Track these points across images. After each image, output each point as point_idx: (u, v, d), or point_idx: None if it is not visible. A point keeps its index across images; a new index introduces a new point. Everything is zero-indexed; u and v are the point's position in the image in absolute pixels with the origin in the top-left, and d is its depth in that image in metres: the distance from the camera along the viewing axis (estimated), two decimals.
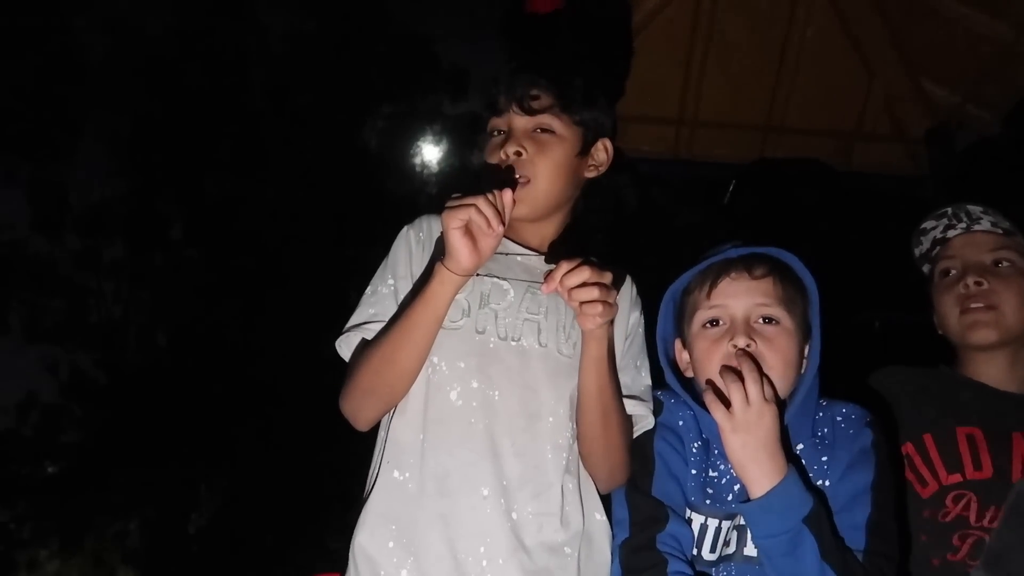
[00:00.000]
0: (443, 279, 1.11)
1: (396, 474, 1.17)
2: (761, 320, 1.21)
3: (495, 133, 1.33)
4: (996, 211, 1.59)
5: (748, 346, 1.17)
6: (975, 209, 1.58)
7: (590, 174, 1.37)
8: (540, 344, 1.21)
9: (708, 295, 1.23)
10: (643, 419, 1.26)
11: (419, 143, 12.12)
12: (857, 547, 1.13)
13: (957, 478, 1.44)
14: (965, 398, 1.54)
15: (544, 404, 1.20)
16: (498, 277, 1.25)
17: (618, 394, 1.19)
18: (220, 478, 11.63)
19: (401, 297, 1.24)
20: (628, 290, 1.33)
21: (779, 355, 1.19)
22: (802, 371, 1.24)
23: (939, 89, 3.00)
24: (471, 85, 11.66)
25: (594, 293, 1.05)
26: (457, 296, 1.21)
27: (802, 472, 1.15)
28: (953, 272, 1.58)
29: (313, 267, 10.63)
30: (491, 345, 1.20)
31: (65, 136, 10.57)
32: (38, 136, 10.38)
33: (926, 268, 1.71)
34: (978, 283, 1.52)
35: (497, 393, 1.17)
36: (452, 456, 1.16)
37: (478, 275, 1.23)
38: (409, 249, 1.29)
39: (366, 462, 1.24)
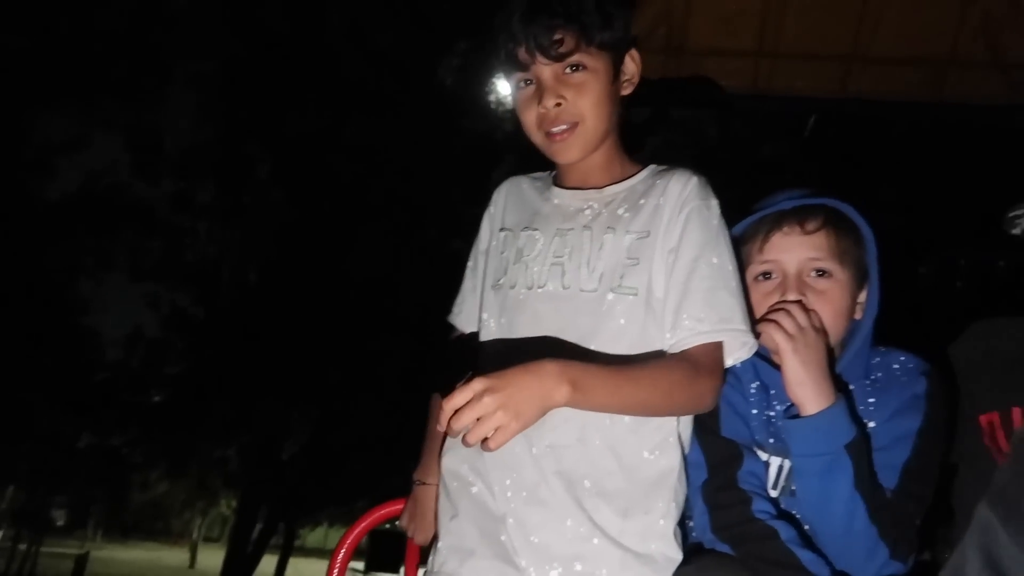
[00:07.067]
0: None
1: None
2: (813, 273, 1.21)
3: (522, 84, 1.25)
4: None
5: (799, 301, 1.18)
6: None
7: (626, 91, 1.32)
8: (563, 287, 1.21)
9: (761, 249, 1.23)
10: (736, 348, 1.16)
11: (495, 80, 12.02)
12: (888, 486, 1.13)
13: None
14: None
15: (572, 346, 1.18)
16: (531, 228, 1.28)
17: (641, 392, 1.09)
18: (311, 408, 12.21)
19: (479, 273, 1.35)
20: (676, 190, 1.22)
21: (830, 306, 1.19)
22: (857, 317, 1.23)
23: None
24: None
25: (480, 423, 0.96)
26: (505, 254, 1.30)
27: (851, 409, 1.15)
28: None
29: (394, 203, 10.83)
30: (520, 297, 1.24)
31: (157, 82, 10.98)
32: (132, 83, 10.81)
33: None
34: None
35: (523, 343, 1.20)
36: None
37: (518, 231, 1.30)
38: (487, 223, 1.39)
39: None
